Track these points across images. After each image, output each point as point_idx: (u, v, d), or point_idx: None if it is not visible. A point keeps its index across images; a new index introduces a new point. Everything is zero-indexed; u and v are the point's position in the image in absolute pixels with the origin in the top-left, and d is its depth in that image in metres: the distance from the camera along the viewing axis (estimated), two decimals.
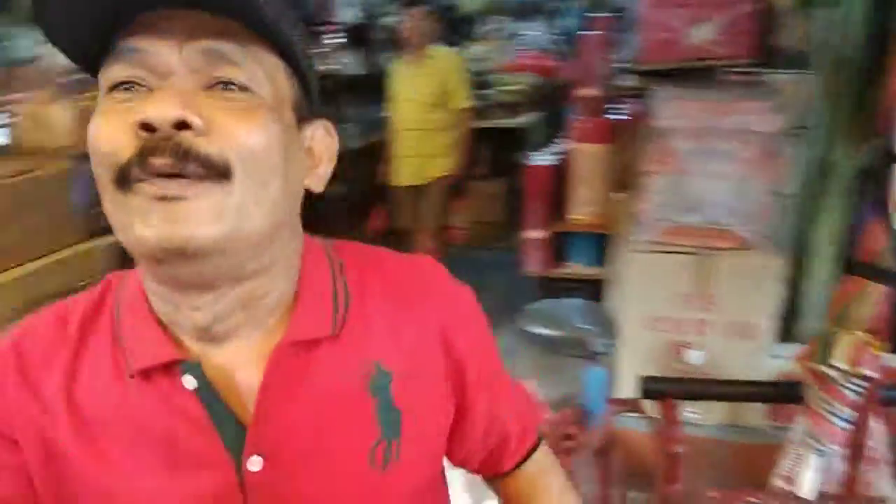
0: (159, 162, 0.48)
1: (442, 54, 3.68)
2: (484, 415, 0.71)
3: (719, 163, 2.19)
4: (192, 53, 0.51)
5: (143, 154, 0.48)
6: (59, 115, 3.04)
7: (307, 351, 0.58)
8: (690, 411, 2.33)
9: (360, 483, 0.59)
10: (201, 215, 0.49)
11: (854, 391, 1.15)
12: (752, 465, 2.16)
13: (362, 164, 5.37)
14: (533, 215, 2.92)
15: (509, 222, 4.94)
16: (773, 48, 2.59)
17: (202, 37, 0.50)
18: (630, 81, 2.83)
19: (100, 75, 0.53)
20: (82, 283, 2.93)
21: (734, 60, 2.61)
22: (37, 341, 0.59)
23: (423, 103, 3.58)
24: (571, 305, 1.79)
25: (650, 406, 1.42)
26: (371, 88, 5.71)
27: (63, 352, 0.58)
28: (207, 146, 0.49)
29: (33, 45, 4.54)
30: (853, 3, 2.49)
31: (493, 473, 0.79)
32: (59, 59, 3.40)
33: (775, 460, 2.02)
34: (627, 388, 1.96)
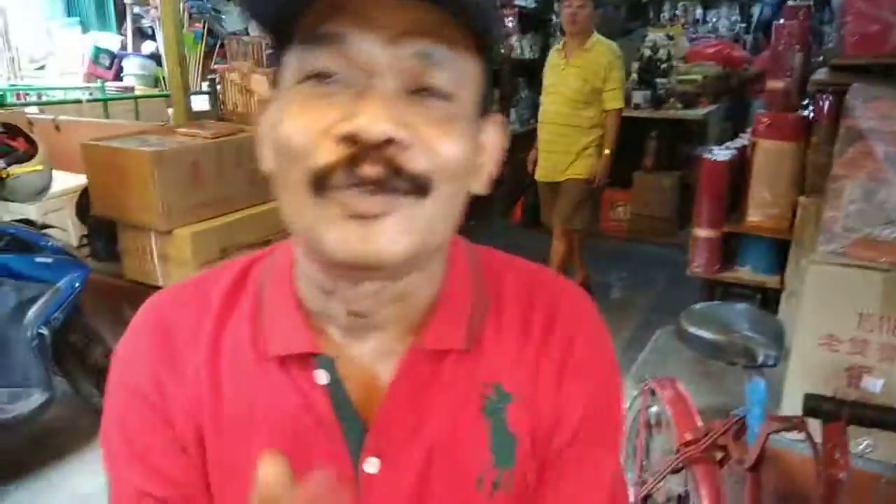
0: (372, 172, 0.46)
1: (600, 48, 3.41)
2: (557, 480, 0.60)
3: None
4: (404, 54, 0.47)
5: (352, 163, 0.46)
6: (259, 85, 3.35)
7: (435, 361, 0.57)
8: (863, 442, 2.14)
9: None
10: (394, 234, 0.47)
11: None
12: None
13: (520, 150, 5.40)
14: (704, 213, 2.77)
15: (678, 218, 4.74)
16: None
17: (416, 35, 0.47)
18: (828, 76, 2.58)
19: (289, 57, 0.49)
20: (274, 236, 3.23)
21: None
22: (182, 317, 0.59)
23: (570, 98, 3.39)
24: (739, 310, 1.70)
25: (814, 427, 1.32)
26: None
27: (206, 326, 0.58)
28: (414, 162, 0.47)
29: (243, 19, 5.02)
30: None
31: None
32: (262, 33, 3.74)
33: None
34: (792, 408, 1.83)
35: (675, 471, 1.71)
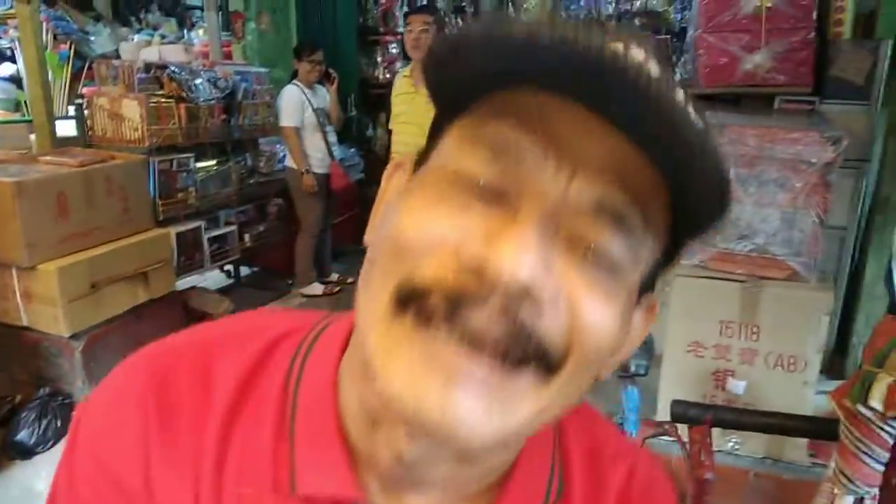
0: (485, 326, 0.34)
1: None
2: None
3: (771, 191, 2.18)
4: (583, 198, 0.35)
5: (456, 294, 0.34)
6: (130, 110, 3.20)
7: None
8: (731, 440, 2.32)
9: None
10: (493, 409, 0.35)
11: (889, 433, 1.14)
12: (789, 500, 2.14)
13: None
14: None
15: None
16: (830, 78, 2.56)
17: (608, 177, 0.35)
18: None
19: (442, 149, 0.39)
20: (151, 267, 3.08)
21: (790, 88, 2.59)
22: (187, 392, 0.46)
23: (423, 127, 3.24)
24: None
25: (683, 430, 1.43)
26: None
27: (211, 425, 0.45)
28: (549, 326, 0.35)
29: (112, 41, 4.79)
30: None
31: None
32: (143, 54, 3.58)
33: (812, 497, 2.00)
34: (667, 412, 1.96)
35: None
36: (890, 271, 1.18)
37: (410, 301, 0.35)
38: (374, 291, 0.37)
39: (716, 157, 0.33)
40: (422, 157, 0.41)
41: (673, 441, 1.58)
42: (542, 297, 0.34)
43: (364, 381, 0.40)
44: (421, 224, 0.36)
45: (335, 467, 0.43)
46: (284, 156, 4.13)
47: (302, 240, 4.18)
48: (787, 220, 2.17)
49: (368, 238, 0.42)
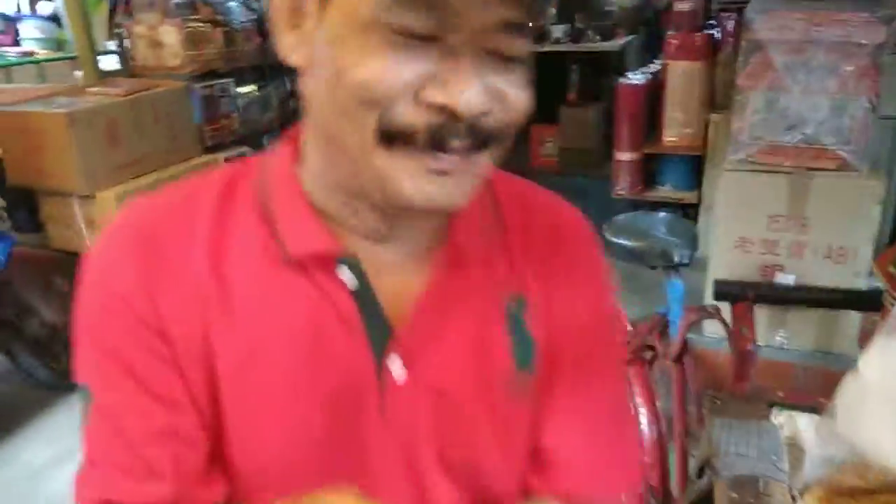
0: (458, 144, 0.48)
1: None
2: (581, 393, 0.63)
3: (819, 78, 2.10)
4: (494, 20, 0.46)
5: (439, 135, 0.47)
6: (169, 37, 3.23)
7: (459, 267, 0.58)
8: (779, 335, 2.33)
9: (487, 404, 0.59)
10: (468, 185, 0.51)
11: None
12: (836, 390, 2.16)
13: None
14: (624, 137, 2.88)
15: (605, 149, 4.85)
16: None
17: (510, 3, 0.46)
18: None
19: (375, 4, 0.45)
20: None
21: None
22: (170, 222, 0.57)
23: None
24: (656, 218, 1.81)
25: (725, 314, 1.45)
26: None
27: (201, 232, 0.56)
28: (494, 122, 0.49)
29: None
30: None
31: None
32: None
33: None
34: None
35: None
36: None
37: (395, 138, 0.47)
38: (349, 129, 0.48)
39: None
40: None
41: (716, 337, 1.61)
42: (490, 110, 0.48)
43: (346, 183, 0.54)
44: (381, 79, 0.46)
45: (315, 232, 0.55)
46: None
47: None
48: (837, 107, 2.10)
49: (296, 59, 0.51)
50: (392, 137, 0.47)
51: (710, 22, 3.00)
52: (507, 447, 0.61)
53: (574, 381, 0.63)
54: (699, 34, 2.79)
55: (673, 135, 2.82)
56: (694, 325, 1.63)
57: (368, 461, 0.58)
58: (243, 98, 3.70)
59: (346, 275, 0.55)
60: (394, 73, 0.46)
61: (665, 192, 3.01)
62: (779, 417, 1.26)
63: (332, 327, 0.55)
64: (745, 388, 1.25)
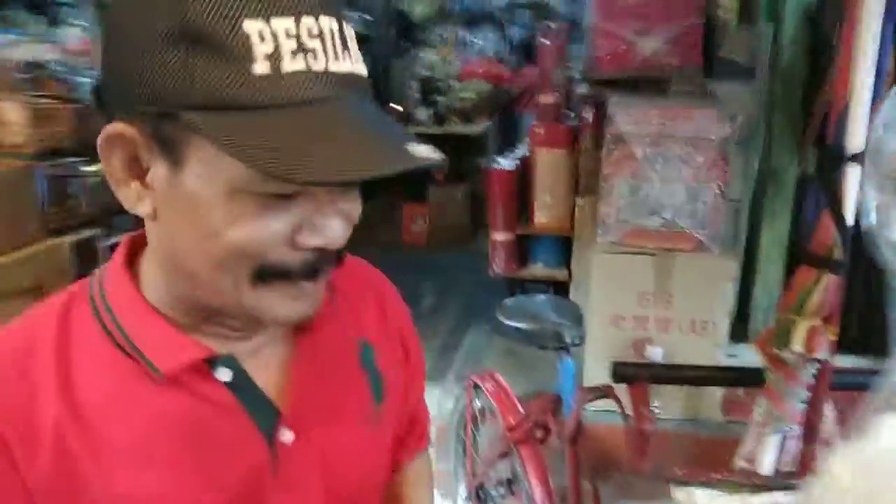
0: (326, 272, 0.56)
1: None
2: (412, 396, 0.81)
3: (675, 168, 2.31)
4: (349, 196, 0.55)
5: (314, 268, 0.54)
6: (11, 114, 2.97)
7: (314, 332, 0.65)
8: (654, 405, 2.44)
9: (360, 441, 0.68)
10: (321, 294, 0.58)
11: (810, 374, 1.24)
12: (709, 455, 2.28)
13: None
14: (499, 218, 2.98)
15: (471, 225, 5.02)
16: (717, 59, 2.74)
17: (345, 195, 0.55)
18: (588, 90, 2.93)
19: (223, 164, 0.48)
20: (46, 280, 2.87)
21: (681, 70, 2.76)
22: (9, 383, 0.55)
23: None
24: (542, 301, 1.86)
25: (621, 392, 1.49)
26: None
27: (43, 376, 0.55)
28: (344, 241, 0.56)
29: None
30: (790, 18, 2.66)
31: None
32: (13, 54, 3.26)
33: (730, 451, 2.14)
34: (592, 381, 2.04)
35: (503, 456, 1.82)
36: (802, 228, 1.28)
37: (270, 276, 0.52)
38: (224, 275, 0.52)
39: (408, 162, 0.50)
40: (157, 143, 0.51)
41: (608, 410, 1.66)
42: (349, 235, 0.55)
43: (205, 305, 0.57)
44: (262, 235, 0.50)
45: (181, 344, 0.57)
46: None
47: None
48: (692, 194, 2.31)
49: (143, 210, 0.54)
50: (267, 276, 0.53)
51: (569, 112, 3.23)
52: (376, 471, 0.72)
53: (415, 391, 0.81)
54: (562, 125, 2.99)
55: (543, 217, 2.96)
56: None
57: None
58: (94, 177, 3.45)
59: (223, 374, 0.58)
60: (268, 229, 0.50)
61: (537, 270, 3.13)
62: (678, 494, 1.30)
63: (213, 424, 0.58)
64: (646, 467, 1.27)
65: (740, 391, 2.35)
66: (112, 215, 3.63)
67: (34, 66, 3.12)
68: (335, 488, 0.65)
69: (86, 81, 3.36)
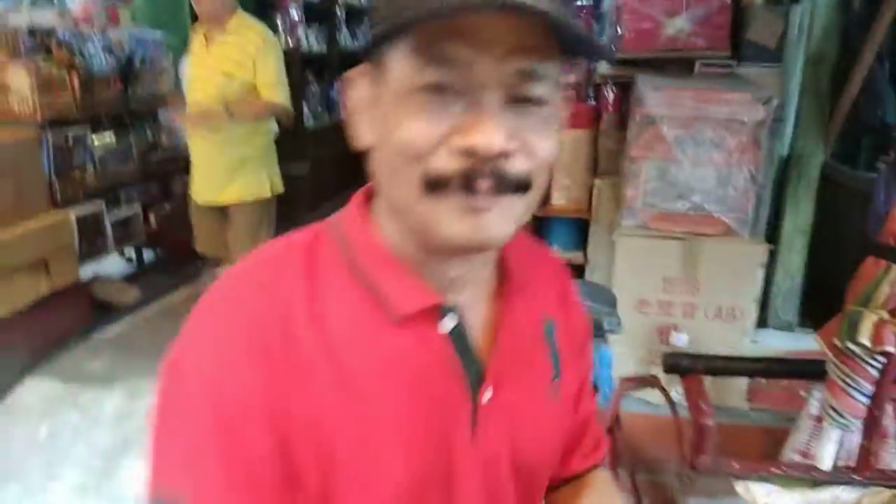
0: (484, 185, 0.53)
1: (245, 31, 2.69)
2: (582, 393, 0.79)
3: (706, 151, 2.26)
4: (510, 70, 0.52)
5: (469, 177, 0.53)
6: (17, 80, 2.87)
7: (513, 300, 0.67)
8: (677, 392, 2.42)
9: (542, 411, 0.69)
10: (501, 222, 0.56)
11: (875, 367, 1.21)
12: (733, 442, 2.27)
13: (325, 146, 5.29)
14: None
15: None
16: (745, 42, 2.68)
17: (520, 53, 0.52)
18: (612, 69, 2.86)
19: (397, 58, 0.53)
20: (51, 254, 2.80)
21: (709, 52, 2.70)
22: (271, 304, 0.58)
23: (218, 96, 2.65)
24: (577, 286, 1.81)
25: (667, 382, 1.46)
26: (331, 66, 5.63)
27: (298, 305, 0.59)
28: (518, 167, 0.54)
29: None
30: (822, 0, 2.61)
31: (560, 473, 0.81)
32: (18, 20, 3.16)
33: (756, 439, 2.12)
34: (620, 371, 2.01)
35: None
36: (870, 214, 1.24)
37: (437, 185, 0.53)
38: (403, 185, 0.55)
39: (571, 22, 0.52)
40: (373, 70, 0.57)
41: (649, 400, 1.62)
42: (511, 151, 0.53)
43: (412, 234, 0.59)
44: (418, 136, 0.53)
45: (417, 289, 0.60)
46: None
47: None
48: (723, 178, 2.27)
49: (366, 141, 0.59)
50: (433, 185, 0.54)
51: (590, 93, 3.16)
52: (553, 445, 0.73)
53: (580, 381, 0.78)
54: (584, 105, 2.93)
55: (561, 198, 2.90)
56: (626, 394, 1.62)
57: (456, 483, 0.63)
58: (100, 148, 3.36)
59: (447, 325, 0.61)
60: (427, 128, 0.53)
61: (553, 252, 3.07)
62: (737, 488, 1.27)
63: (434, 373, 0.61)
64: (706, 462, 1.24)
65: (763, 380, 2.33)
66: (118, 188, 3.55)
67: (40, 33, 3.01)
68: (519, 456, 0.67)
69: (94, 49, 3.25)
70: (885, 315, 1.20)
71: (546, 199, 3.04)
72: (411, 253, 0.61)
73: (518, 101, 0.53)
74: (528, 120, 0.54)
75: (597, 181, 2.84)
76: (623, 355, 2.27)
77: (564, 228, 3.08)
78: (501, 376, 0.64)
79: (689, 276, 2.30)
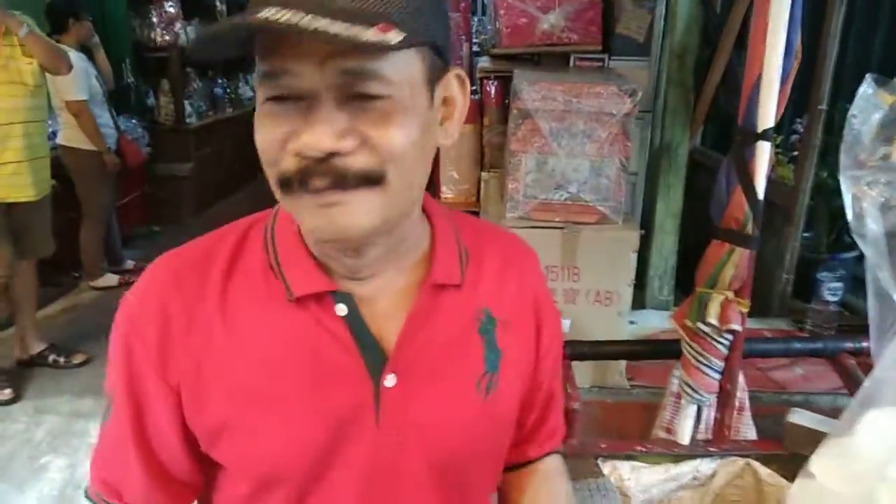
0: (319, 183, 0.57)
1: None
2: (543, 383, 0.81)
3: (580, 143, 2.34)
4: (333, 73, 0.55)
5: (304, 176, 0.57)
6: None
7: (437, 294, 0.69)
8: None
9: (464, 403, 0.70)
10: (358, 216, 0.58)
11: (724, 345, 1.30)
12: (616, 420, 2.37)
13: (209, 144, 5.10)
14: None
15: None
16: (615, 36, 2.80)
17: (338, 57, 0.54)
18: (492, 64, 2.91)
19: (257, 80, 0.58)
20: None
21: (582, 46, 2.80)
22: (192, 271, 0.68)
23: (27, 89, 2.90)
24: None
25: None
26: (215, 62, 5.42)
27: (214, 277, 0.68)
28: (362, 163, 0.56)
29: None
30: None
31: (514, 459, 0.84)
32: None
33: (637, 415, 2.22)
34: None
35: None
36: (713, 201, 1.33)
37: (286, 185, 0.58)
38: (271, 183, 0.60)
39: (348, 34, 0.51)
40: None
41: None
42: (344, 149, 0.55)
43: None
44: (265, 142, 0.58)
45: (313, 274, 0.66)
46: (55, 132, 3.62)
47: (88, 227, 3.73)
48: (595, 168, 2.35)
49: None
50: (284, 185, 0.59)
51: (473, 88, 3.20)
52: (483, 441, 0.73)
53: (544, 371, 0.80)
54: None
55: (449, 192, 2.94)
56: None
57: (361, 465, 0.67)
58: None
59: (340, 308, 0.66)
60: (271, 135, 0.58)
61: None
62: (604, 468, 1.33)
63: (333, 355, 0.66)
64: (574, 446, 1.29)
65: None
66: None
67: None
68: (436, 445, 0.69)
69: None
70: (731, 295, 1.29)
71: (436, 193, 3.06)
72: (315, 245, 0.67)
73: (354, 98, 0.55)
74: (367, 116, 0.56)
75: (483, 174, 2.88)
76: None
77: None
78: (409, 365, 0.67)
79: (568, 264, 2.38)
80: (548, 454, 0.86)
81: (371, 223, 0.59)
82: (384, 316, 0.68)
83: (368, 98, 0.55)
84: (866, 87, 0.87)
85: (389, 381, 0.66)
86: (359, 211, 0.58)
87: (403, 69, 0.57)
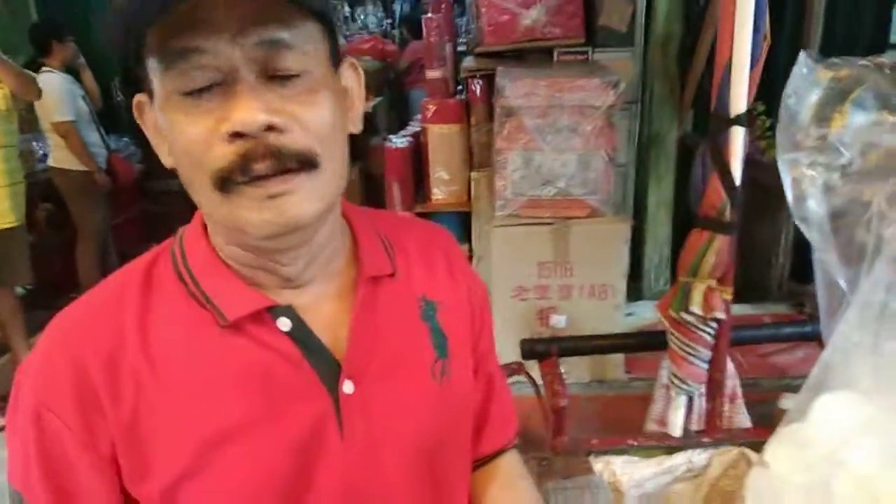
0: (261, 167, 0.54)
1: None
2: (480, 363, 0.78)
3: (565, 137, 2.33)
4: (250, 47, 0.53)
5: (244, 161, 0.54)
6: None
7: (375, 287, 0.68)
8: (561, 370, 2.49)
9: (424, 392, 0.69)
10: (304, 203, 0.56)
11: (709, 334, 1.28)
12: (616, 413, 2.36)
13: None
14: (396, 197, 2.92)
15: (367, 204, 4.91)
16: (598, 28, 2.79)
17: (256, 25, 0.53)
18: (475, 63, 2.90)
19: (153, 67, 0.54)
20: None
21: (565, 40, 2.79)
22: (99, 321, 0.62)
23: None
24: None
25: (531, 367, 1.49)
26: None
27: (129, 322, 0.61)
28: (296, 143, 0.55)
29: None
30: None
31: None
32: None
33: (637, 408, 2.21)
34: (502, 358, 2.05)
35: None
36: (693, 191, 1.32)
37: (225, 183, 0.54)
38: (201, 190, 0.56)
39: None
40: (145, 92, 0.59)
41: (522, 381, 1.66)
42: (279, 125, 0.53)
43: (228, 242, 0.62)
44: (191, 139, 0.54)
45: (244, 294, 0.62)
46: (45, 154, 3.63)
47: (84, 247, 3.73)
48: (582, 161, 2.35)
49: (170, 162, 0.60)
50: (222, 184, 0.55)
51: (459, 87, 3.20)
52: (452, 426, 0.71)
53: (481, 356, 0.78)
54: (453, 100, 2.96)
55: (440, 193, 2.92)
56: None
57: (334, 487, 0.64)
58: None
59: (283, 324, 0.62)
60: (195, 129, 0.54)
61: None
62: (597, 464, 1.32)
63: (279, 371, 0.61)
64: (564, 443, 1.28)
65: None
66: None
67: None
68: (403, 442, 0.67)
69: None
70: (713, 283, 1.28)
71: (426, 195, 3.06)
72: (240, 257, 0.62)
73: (274, 76, 0.54)
74: (289, 92, 0.55)
75: (473, 174, 2.87)
76: (506, 342, 2.31)
77: (447, 222, 3.09)
78: (364, 367, 0.65)
79: (561, 259, 2.38)
80: (503, 450, 0.82)
81: (316, 209, 0.58)
82: (330, 321, 0.65)
83: (289, 77, 0.55)
84: (801, 66, 0.85)
85: (347, 387, 0.63)
86: (304, 198, 0.56)
87: (314, 44, 0.56)
